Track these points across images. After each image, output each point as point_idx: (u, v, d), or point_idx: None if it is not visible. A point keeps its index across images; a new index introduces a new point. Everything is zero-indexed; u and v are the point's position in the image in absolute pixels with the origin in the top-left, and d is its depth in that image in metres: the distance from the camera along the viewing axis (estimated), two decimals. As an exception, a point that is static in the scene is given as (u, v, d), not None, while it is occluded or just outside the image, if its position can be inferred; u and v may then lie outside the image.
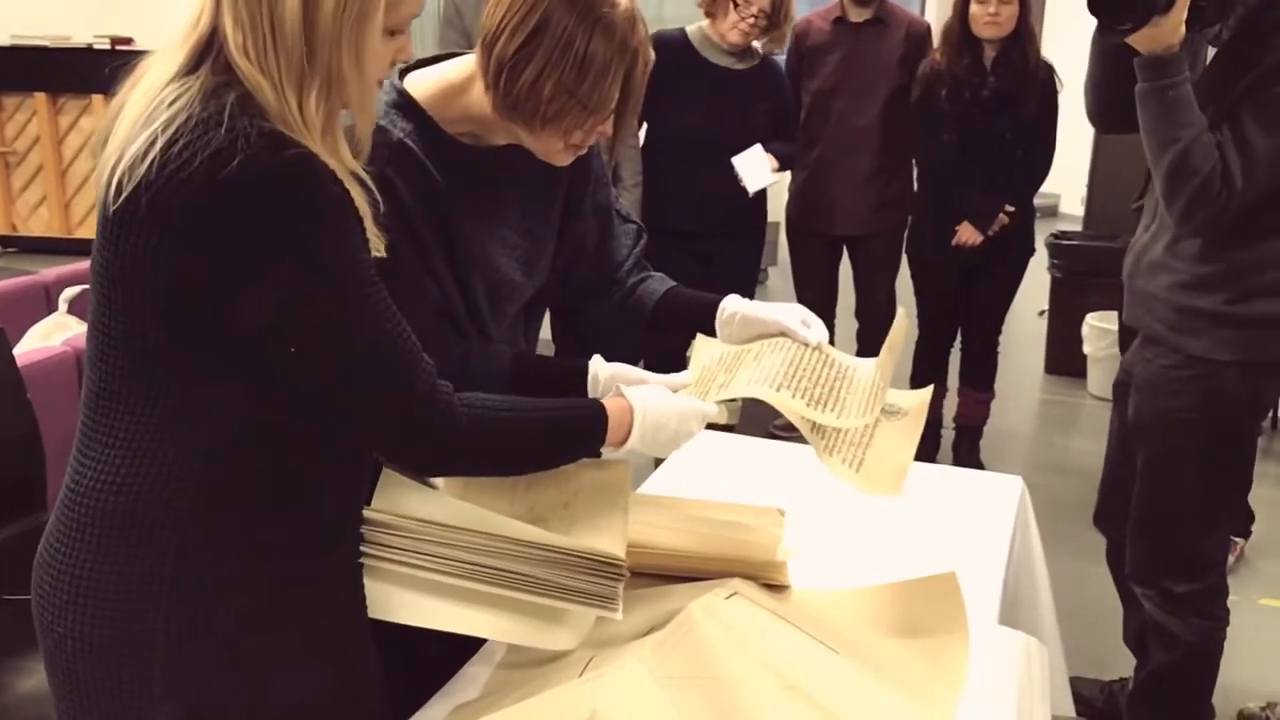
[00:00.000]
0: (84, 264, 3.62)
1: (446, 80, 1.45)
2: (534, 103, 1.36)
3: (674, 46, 3.40)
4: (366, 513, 1.26)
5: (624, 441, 1.34)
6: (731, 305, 1.59)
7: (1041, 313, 5.52)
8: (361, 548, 1.26)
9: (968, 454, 4.01)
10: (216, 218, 1.04)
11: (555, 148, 1.44)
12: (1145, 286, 2.13)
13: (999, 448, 4.22)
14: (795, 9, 3.41)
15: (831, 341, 1.57)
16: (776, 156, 3.54)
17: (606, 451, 1.35)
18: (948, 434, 4.10)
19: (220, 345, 1.10)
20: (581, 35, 1.33)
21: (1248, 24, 1.88)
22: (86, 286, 3.16)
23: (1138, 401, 2.20)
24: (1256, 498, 3.05)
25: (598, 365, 1.53)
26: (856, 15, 3.79)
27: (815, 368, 1.47)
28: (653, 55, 1.43)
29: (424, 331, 1.19)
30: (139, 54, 1.13)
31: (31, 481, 2.28)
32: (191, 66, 1.09)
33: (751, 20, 3.32)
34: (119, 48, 6.67)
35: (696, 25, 3.50)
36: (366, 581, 1.28)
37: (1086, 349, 4.86)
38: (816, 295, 3.97)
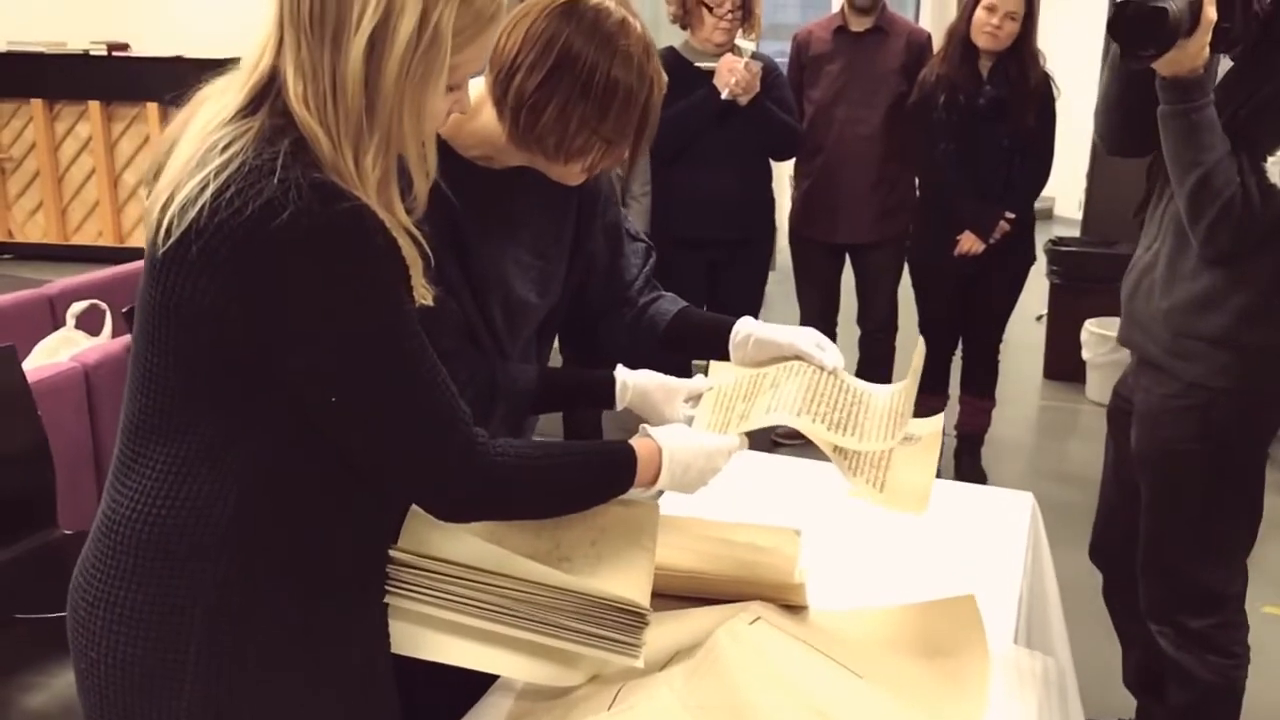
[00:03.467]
0: (87, 277, 3.64)
1: None
2: (558, 138, 1.36)
3: (668, 65, 3.43)
4: (392, 552, 1.26)
5: (653, 482, 1.34)
6: (745, 327, 1.58)
7: (1040, 318, 5.54)
8: (386, 585, 1.26)
9: (969, 462, 4.02)
10: (264, 268, 1.04)
11: (573, 171, 1.44)
12: (1144, 309, 2.09)
13: (1000, 455, 4.22)
14: None
15: (831, 338, 1.57)
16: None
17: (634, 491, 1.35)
18: (949, 442, 4.10)
19: (260, 389, 1.10)
20: (602, 70, 1.34)
21: (1260, 38, 1.85)
22: (94, 301, 3.21)
23: (1139, 434, 2.14)
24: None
25: (624, 374, 1.54)
26: (857, 24, 3.80)
27: (832, 393, 1.47)
28: (665, 80, 1.44)
29: (449, 353, 1.19)
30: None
31: (42, 498, 2.27)
32: (250, 108, 1.08)
33: (729, 17, 3.41)
34: (115, 54, 6.63)
35: (682, 40, 3.57)
36: (390, 619, 1.28)
37: (1085, 355, 4.86)
38: (818, 303, 3.98)
